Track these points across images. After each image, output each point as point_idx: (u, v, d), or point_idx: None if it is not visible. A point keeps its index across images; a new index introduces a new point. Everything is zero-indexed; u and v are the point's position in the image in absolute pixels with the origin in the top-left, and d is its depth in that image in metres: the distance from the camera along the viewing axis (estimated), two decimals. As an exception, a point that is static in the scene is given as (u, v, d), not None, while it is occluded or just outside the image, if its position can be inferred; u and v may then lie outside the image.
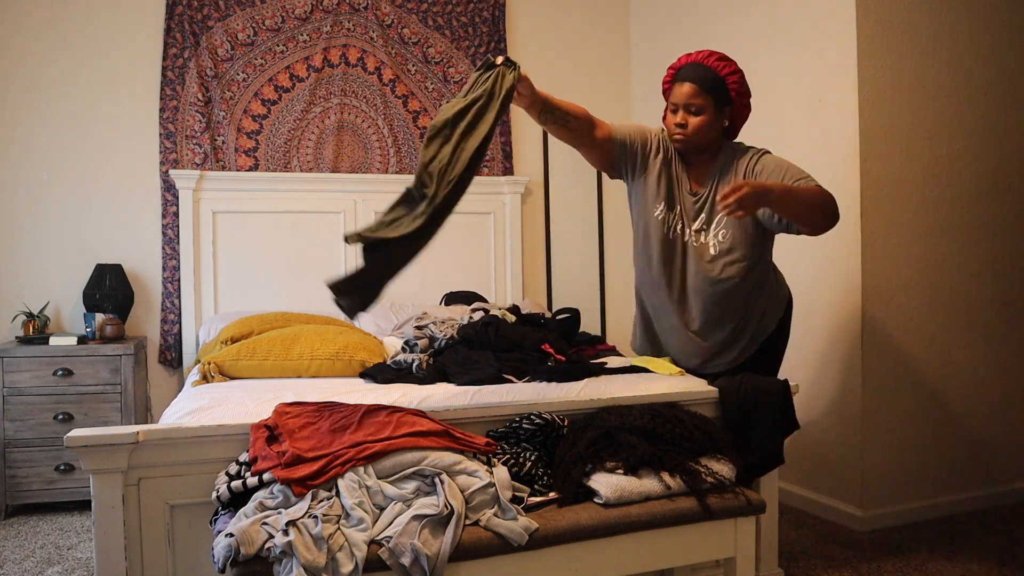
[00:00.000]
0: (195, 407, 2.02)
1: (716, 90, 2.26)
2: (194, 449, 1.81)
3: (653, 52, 4.23)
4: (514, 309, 2.94)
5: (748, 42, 3.49)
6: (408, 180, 4.00)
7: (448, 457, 1.74)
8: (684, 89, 2.27)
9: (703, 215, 2.35)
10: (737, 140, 2.46)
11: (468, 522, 1.68)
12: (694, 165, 2.39)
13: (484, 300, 3.64)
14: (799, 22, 3.20)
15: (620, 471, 1.91)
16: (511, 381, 2.32)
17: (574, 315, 3.15)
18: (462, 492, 1.70)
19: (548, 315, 3.29)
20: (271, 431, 1.82)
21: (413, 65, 3.98)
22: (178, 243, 3.60)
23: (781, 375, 2.46)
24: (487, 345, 2.53)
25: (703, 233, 2.33)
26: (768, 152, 2.33)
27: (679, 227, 2.36)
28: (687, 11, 3.92)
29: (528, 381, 2.34)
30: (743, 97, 2.32)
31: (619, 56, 4.39)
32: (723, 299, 2.32)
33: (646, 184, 2.39)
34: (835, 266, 3.04)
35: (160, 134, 3.62)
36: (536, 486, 1.89)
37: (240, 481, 1.69)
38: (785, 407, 2.25)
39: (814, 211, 2.12)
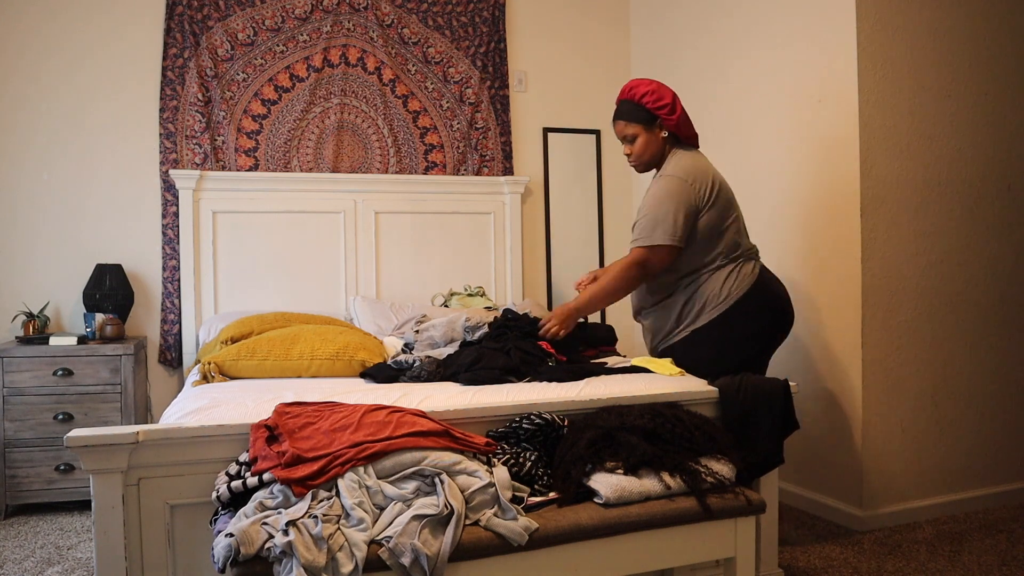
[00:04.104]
0: (195, 407, 2.02)
1: (636, 115, 2.59)
2: (194, 449, 1.81)
3: (654, 52, 4.23)
4: (507, 312, 2.91)
5: (748, 42, 3.49)
6: (408, 180, 4.02)
7: (448, 457, 1.74)
8: (617, 127, 2.66)
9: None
10: (692, 147, 2.67)
11: (468, 522, 1.68)
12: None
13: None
14: (799, 21, 3.20)
15: (620, 471, 1.91)
16: (511, 381, 2.32)
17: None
18: (462, 492, 1.70)
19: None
20: (271, 431, 1.82)
21: (413, 65, 3.98)
22: (178, 243, 3.60)
23: (782, 374, 2.46)
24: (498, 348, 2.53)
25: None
26: (662, 179, 2.56)
27: None
28: (687, 12, 3.92)
29: (528, 381, 2.34)
30: (663, 109, 2.56)
31: (619, 56, 4.39)
32: (643, 291, 2.68)
33: None
34: (835, 266, 3.05)
35: (160, 134, 3.62)
36: (536, 486, 1.89)
37: (240, 481, 1.69)
38: (785, 407, 2.26)
39: (620, 292, 2.57)
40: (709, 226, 2.52)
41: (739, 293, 2.52)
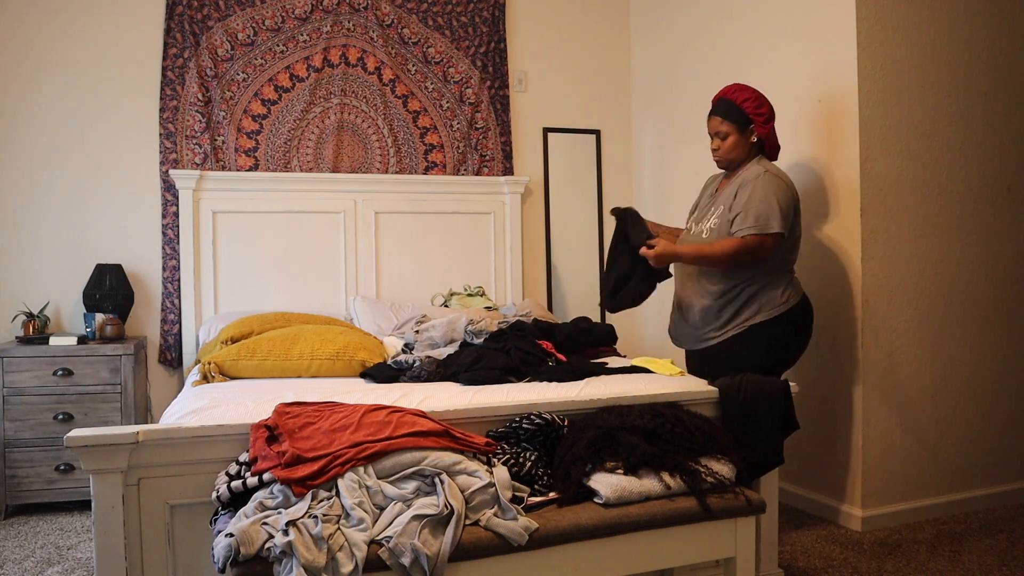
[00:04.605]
0: (195, 407, 2.02)
1: (735, 115, 2.72)
2: (194, 449, 1.81)
3: (654, 52, 4.23)
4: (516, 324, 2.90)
5: (748, 42, 3.49)
6: (408, 180, 4.01)
7: (448, 457, 1.74)
8: (712, 121, 2.78)
9: (708, 209, 2.80)
10: (772, 158, 2.79)
11: (468, 522, 1.68)
12: (729, 176, 2.83)
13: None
14: (799, 21, 3.20)
15: (620, 471, 1.91)
16: (511, 381, 2.32)
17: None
18: (462, 492, 1.70)
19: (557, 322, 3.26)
20: (271, 431, 1.82)
21: (413, 65, 3.98)
22: (178, 243, 3.60)
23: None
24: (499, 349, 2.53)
25: (701, 222, 2.80)
26: (768, 176, 2.63)
27: (694, 223, 2.86)
28: (687, 12, 3.92)
29: (528, 381, 2.34)
30: (760, 116, 2.71)
31: (619, 56, 4.39)
32: (701, 277, 2.73)
33: None
34: (835, 266, 3.05)
35: (160, 134, 3.62)
36: (536, 486, 1.89)
37: (240, 481, 1.69)
38: (785, 407, 2.26)
39: (718, 266, 2.65)
40: (788, 233, 2.65)
41: (795, 300, 2.66)
